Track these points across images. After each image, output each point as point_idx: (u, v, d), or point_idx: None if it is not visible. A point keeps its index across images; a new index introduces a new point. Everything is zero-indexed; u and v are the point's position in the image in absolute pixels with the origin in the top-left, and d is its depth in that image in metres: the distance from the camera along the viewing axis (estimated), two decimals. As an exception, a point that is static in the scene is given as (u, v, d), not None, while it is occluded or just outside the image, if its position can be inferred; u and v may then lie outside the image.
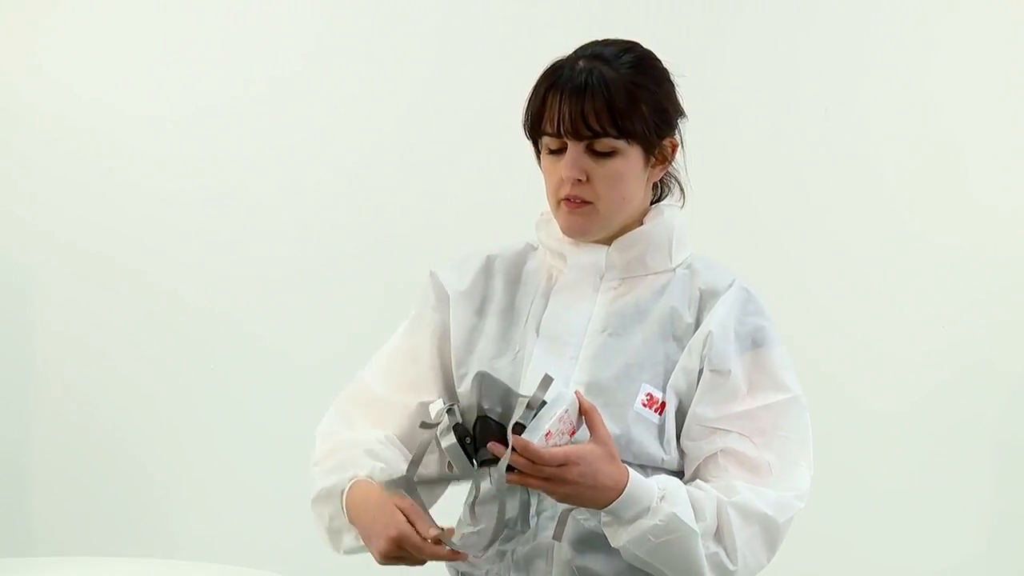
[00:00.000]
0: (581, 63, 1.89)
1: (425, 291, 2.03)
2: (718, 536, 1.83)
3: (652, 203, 2.00)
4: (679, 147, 1.96)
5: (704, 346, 1.90)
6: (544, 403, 1.71)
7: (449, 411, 1.74)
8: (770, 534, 1.86)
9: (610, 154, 1.88)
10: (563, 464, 1.73)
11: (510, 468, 1.72)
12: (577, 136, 1.87)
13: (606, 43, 1.93)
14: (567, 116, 1.86)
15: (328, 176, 3.57)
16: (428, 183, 3.54)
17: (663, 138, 1.93)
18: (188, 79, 3.60)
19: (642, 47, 1.95)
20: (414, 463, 1.80)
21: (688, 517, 1.80)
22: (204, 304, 3.61)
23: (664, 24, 3.38)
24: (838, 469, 3.27)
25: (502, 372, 1.89)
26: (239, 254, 3.59)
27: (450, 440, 1.73)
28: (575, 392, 1.77)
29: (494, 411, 1.72)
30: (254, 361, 3.59)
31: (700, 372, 1.90)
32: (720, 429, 1.89)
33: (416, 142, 3.55)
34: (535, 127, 1.92)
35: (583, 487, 1.75)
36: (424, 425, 1.79)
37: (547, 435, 1.71)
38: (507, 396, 1.73)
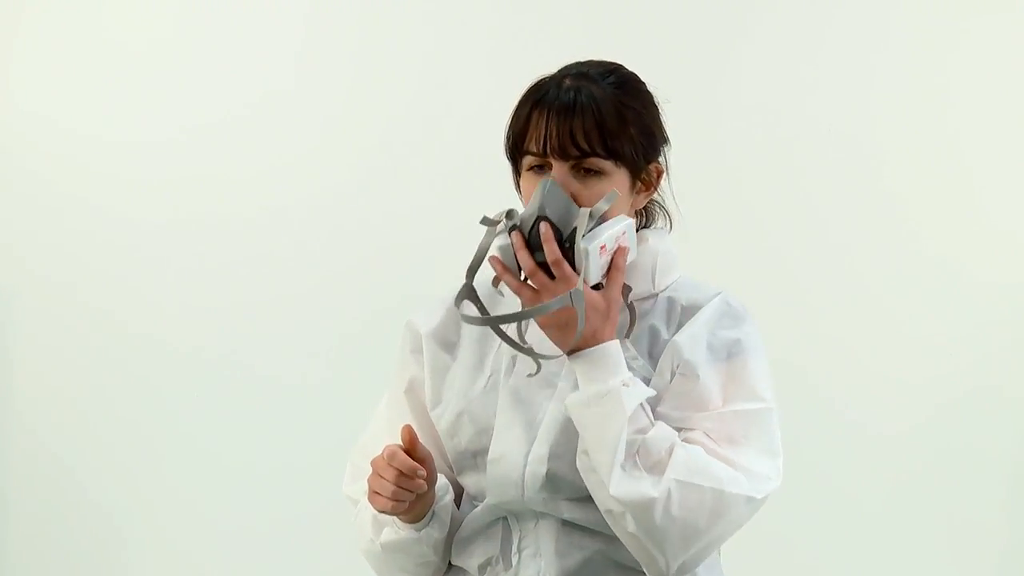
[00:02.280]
0: (567, 81, 1.85)
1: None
2: (652, 468, 1.77)
3: (637, 231, 1.93)
4: (664, 173, 1.92)
5: (671, 358, 1.84)
6: (602, 220, 1.78)
7: (508, 214, 1.79)
8: (716, 500, 1.78)
9: (596, 175, 1.83)
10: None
11: (544, 268, 1.77)
12: (564, 155, 1.82)
13: (589, 64, 1.89)
14: (554, 134, 1.81)
15: (307, 204, 3.54)
16: (412, 206, 3.50)
17: (649, 162, 1.89)
18: (164, 104, 3.56)
19: (626, 69, 1.91)
20: (472, 269, 1.82)
21: (629, 408, 1.76)
22: (173, 336, 3.57)
23: (668, 46, 3.39)
24: (837, 496, 3.25)
25: (476, 400, 1.89)
26: (205, 287, 3.57)
27: (504, 240, 1.78)
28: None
29: (555, 216, 1.77)
30: (230, 397, 3.56)
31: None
32: (684, 428, 1.82)
33: (401, 166, 3.52)
34: (517, 147, 1.87)
35: (569, 317, 1.77)
36: (485, 220, 1.81)
37: (602, 248, 1.77)
38: (569, 205, 1.78)
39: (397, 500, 1.80)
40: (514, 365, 1.90)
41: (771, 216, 3.42)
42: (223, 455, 3.56)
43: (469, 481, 1.92)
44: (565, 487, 1.83)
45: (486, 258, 1.81)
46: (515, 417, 1.87)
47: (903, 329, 3.37)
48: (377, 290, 3.47)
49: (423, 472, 1.80)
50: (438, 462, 1.93)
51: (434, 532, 1.89)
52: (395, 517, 1.87)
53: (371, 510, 1.89)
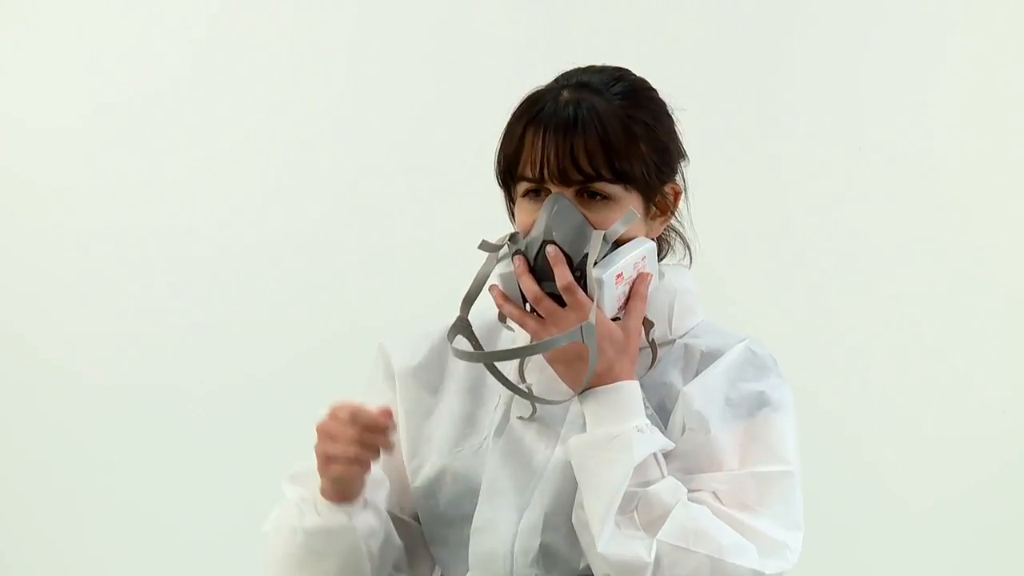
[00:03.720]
0: (566, 94, 1.71)
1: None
2: (650, 526, 1.64)
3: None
4: (682, 194, 1.77)
5: (682, 411, 1.72)
6: (618, 244, 1.68)
7: (512, 238, 1.70)
8: (714, 571, 1.64)
9: (603, 201, 1.69)
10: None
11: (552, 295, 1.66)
12: (565, 180, 1.68)
13: (592, 70, 1.76)
14: (552, 156, 1.67)
15: (246, 213, 3.32)
16: (376, 223, 3.31)
17: (665, 183, 1.74)
18: (73, 93, 3.33)
19: (634, 74, 1.77)
20: (468, 300, 1.72)
21: (638, 456, 1.63)
22: (92, 368, 3.36)
23: (681, 45, 3.23)
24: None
25: (463, 456, 1.77)
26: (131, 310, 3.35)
27: (506, 268, 1.69)
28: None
29: (564, 240, 1.66)
30: (164, 440, 3.35)
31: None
32: (691, 490, 1.68)
33: (371, 177, 3.31)
34: (510, 171, 1.72)
35: (581, 350, 1.67)
36: (484, 246, 1.71)
37: (618, 277, 1.67)
38: (582, 227, 1.67)
39: (358, 463, 1.67)
40: (508, 419, 1.77)
41: (806, 245, 3.24)
42: (157, 511, 3.37)
43: (444, 554, 1.78)
44: (560, 564, 1.71)
45: (485, 287, 1.71)
46: (506, 478, 1.73)
47: (955, 379, 3.21)
48: (335, 312, 3.30)
49: (393, 425, 1.67)
50: (401, 522, 1.79)
51: (370, 519, 1.73)
52: (321, 500, 1.71)
53: (294, 497, 1.74)
